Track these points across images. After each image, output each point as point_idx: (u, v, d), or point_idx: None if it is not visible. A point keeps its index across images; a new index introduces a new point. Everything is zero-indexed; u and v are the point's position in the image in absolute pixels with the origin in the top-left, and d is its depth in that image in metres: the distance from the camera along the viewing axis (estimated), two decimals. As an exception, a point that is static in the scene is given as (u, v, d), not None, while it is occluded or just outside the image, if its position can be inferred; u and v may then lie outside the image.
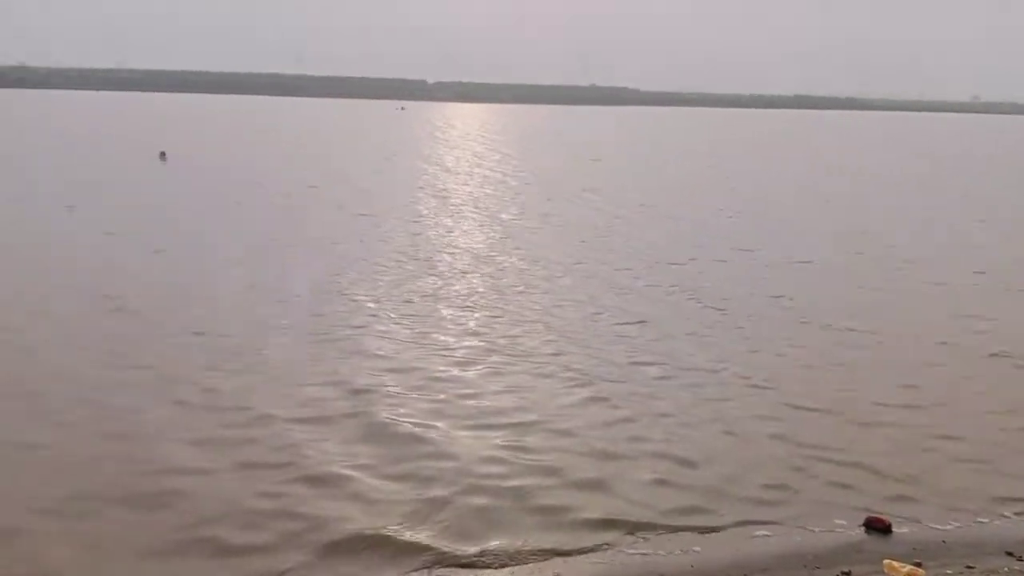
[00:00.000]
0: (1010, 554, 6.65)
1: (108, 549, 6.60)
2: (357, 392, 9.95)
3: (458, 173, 38.10)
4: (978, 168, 50.67)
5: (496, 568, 6.44)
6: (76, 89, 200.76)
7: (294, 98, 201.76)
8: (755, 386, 10.53)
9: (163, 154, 40.06)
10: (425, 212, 25.21)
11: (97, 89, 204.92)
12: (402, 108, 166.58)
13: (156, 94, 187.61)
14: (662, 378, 10.75)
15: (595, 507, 7.35)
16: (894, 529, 7.08)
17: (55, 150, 42.91)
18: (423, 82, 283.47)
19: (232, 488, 7.56)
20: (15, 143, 47.57)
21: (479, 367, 10.97)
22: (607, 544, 6.78)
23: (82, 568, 6.37)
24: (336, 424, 9.07)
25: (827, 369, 11.33)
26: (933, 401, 10.21)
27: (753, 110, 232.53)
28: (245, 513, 7.10)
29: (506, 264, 17.70)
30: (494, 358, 11.32)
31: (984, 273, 17.86)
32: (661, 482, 7.92)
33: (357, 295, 14.59)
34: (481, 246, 19.77)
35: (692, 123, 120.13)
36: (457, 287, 15.44)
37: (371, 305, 13.96)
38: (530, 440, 8.72)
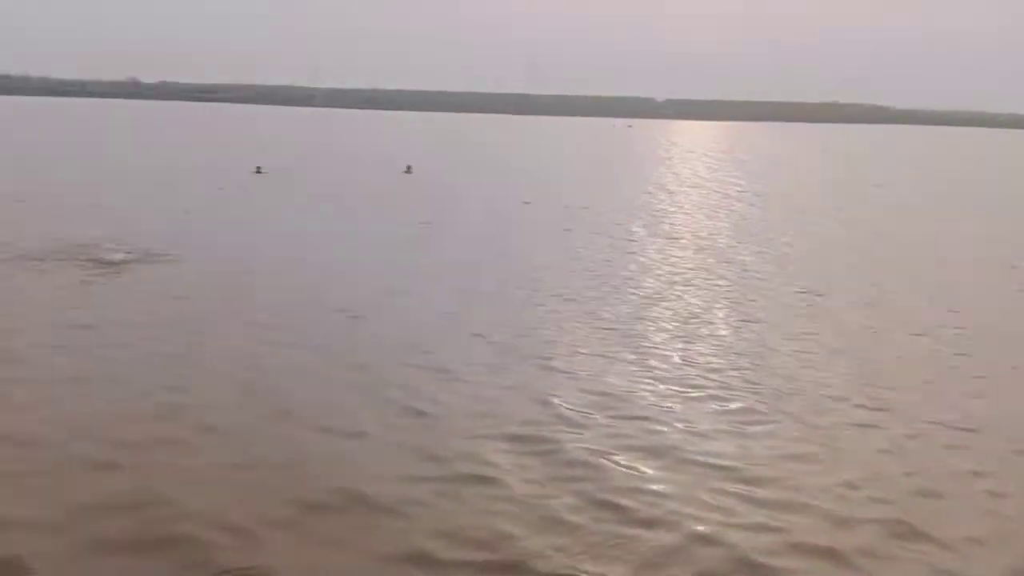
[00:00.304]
0: None
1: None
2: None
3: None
4: None
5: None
6: (334, 107, 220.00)
7: (529, 116, 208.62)
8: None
9: (409, 168, 40.80)
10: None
11: (350, 107, 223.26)
12: (630, 126, 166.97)
13: (397, 112, 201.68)
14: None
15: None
16: None
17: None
18: (651, 100, 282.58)
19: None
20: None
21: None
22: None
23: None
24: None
25: None
26: None
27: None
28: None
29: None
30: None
31: None
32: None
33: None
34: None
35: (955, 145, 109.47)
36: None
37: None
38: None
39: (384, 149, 59.92)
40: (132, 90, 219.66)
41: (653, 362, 11.25)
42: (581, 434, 8.67)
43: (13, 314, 12.74)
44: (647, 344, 12.16)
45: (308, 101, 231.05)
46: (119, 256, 16.98)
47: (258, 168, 37.16)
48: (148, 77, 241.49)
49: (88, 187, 31.23)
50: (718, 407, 9.62)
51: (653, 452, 8.29)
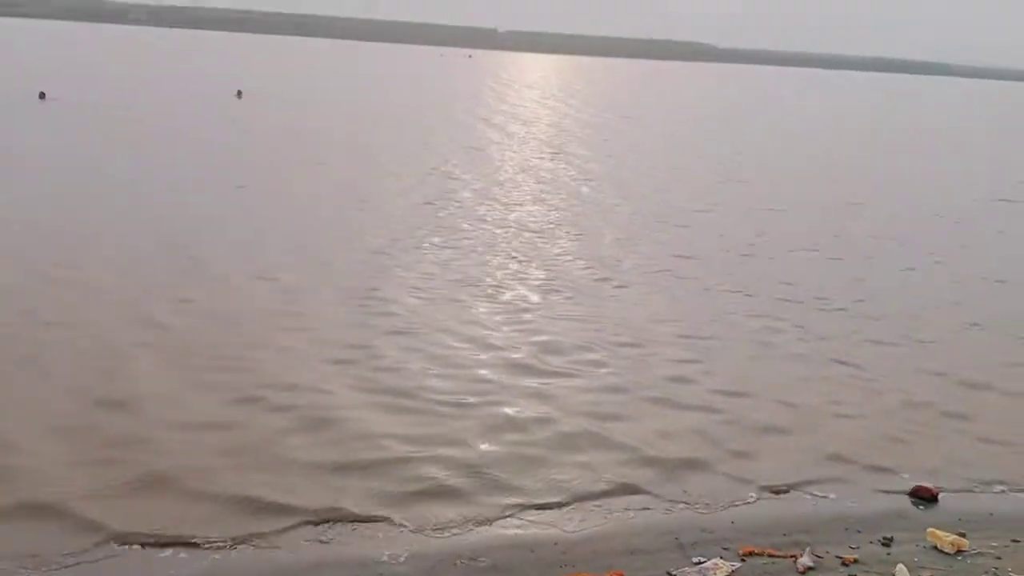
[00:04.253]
0: (1059, 531, 6.51)
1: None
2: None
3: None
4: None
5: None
6: (149, 26, 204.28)
7: (366, 43, 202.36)
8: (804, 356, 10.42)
9: (240, 93, 41.25)
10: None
11: (170, 26, 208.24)
12: (470, 56, 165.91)
13: (226, 34, 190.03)
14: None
15: (632, 464, 7.43)
16: (941, 499, 6.99)
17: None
18: (493, 30, 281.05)
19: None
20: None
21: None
22: (648, 498, 6.85)
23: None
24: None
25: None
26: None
27: (838, 71, 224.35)
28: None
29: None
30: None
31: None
32: (705, 438, 7.94)
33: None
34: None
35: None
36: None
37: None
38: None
39: (205, 75, 56.32)
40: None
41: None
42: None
43: None
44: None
45: (123, 18, 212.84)
46: None
47: (41, 93, 33.12)
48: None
49: None
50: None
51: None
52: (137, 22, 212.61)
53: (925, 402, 9.09)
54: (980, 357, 10.64)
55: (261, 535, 5.99)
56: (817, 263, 15.07)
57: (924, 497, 7.01)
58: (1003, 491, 7.27)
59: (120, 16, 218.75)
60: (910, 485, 7.16)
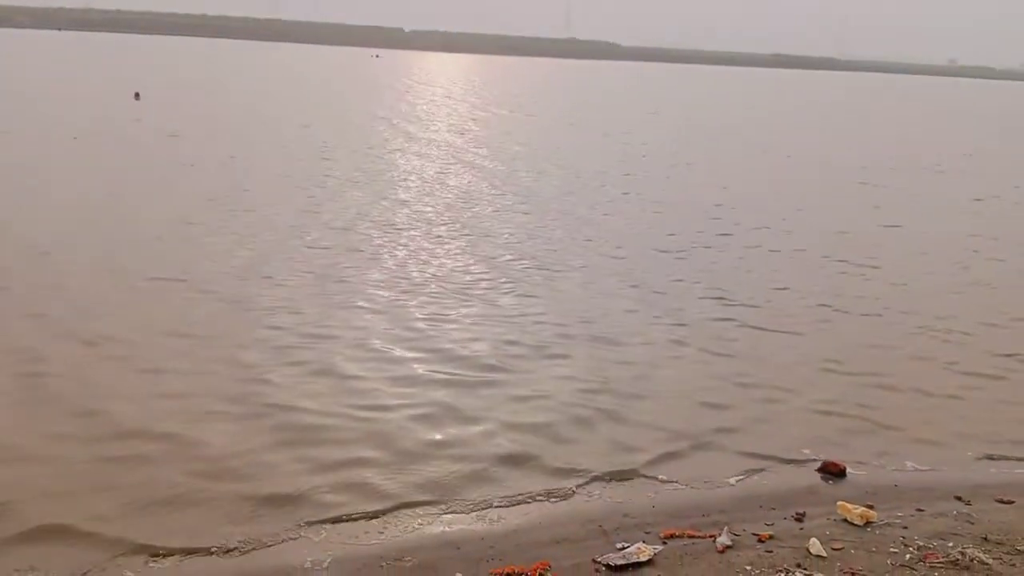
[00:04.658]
0: (959, 498, 6.87)
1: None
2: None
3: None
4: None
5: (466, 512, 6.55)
6: (40, 29, 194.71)
7: (270, 43, 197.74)
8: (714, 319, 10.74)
9: (137, 95, 40.10)
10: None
11: (60, 29, 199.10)
12: (376, 56, 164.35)
13: (124, 35, 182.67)
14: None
15: (553, 454, 7.49)
16: (848, 473, 7.30)
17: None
18: (400, 30, 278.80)
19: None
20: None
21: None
22: (569, 487, 6.91)
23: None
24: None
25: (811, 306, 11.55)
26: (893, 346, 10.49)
27: (732, 68, 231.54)
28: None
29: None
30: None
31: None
32: (620, 421, 8.11)
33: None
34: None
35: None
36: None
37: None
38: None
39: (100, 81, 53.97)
40: None
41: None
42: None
43: None
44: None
45: (6, 21, 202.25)
46: None
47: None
48: None
49: None
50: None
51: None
52: (21, 25, 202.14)
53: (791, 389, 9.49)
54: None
55: (179, 550, 5.79)
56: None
57: (833, 472, 7.30)
58: (908, 463, 7.64)
59: (3, 20, 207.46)
60: (819, 462, 7.46)
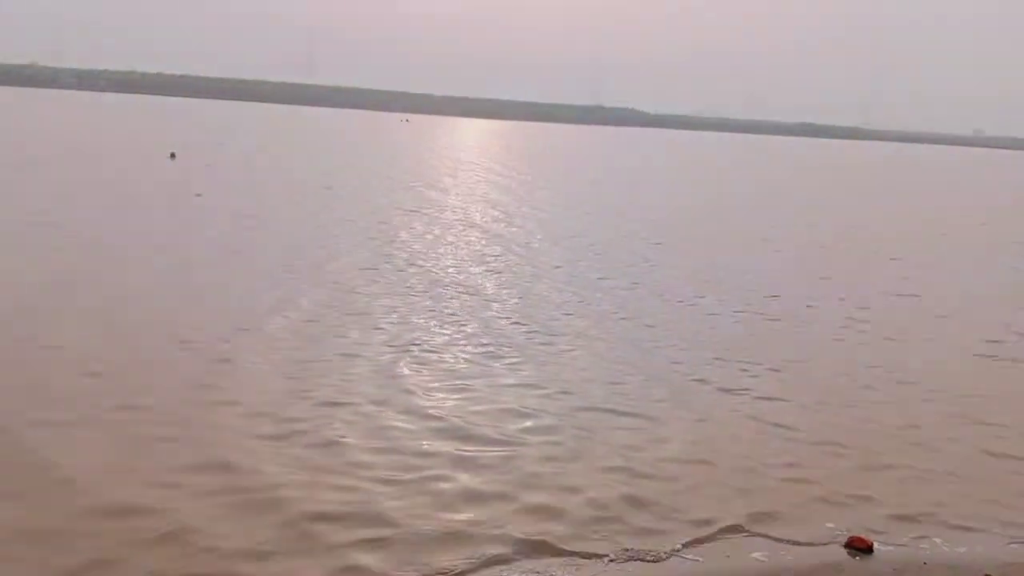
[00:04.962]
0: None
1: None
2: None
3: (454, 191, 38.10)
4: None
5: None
6: (82, 90, 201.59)
7: (305, 107, 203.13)
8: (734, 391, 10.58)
9: (173, 155, 40.93)
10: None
11: (102, 91, 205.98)
12: (406, 120, 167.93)
13: (166, 98, 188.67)
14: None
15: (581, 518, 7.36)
16: (876, 549, 7.10)
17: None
18: (430, 95, 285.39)
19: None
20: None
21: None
22: (595, 554, 6.78)
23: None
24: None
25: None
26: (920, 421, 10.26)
27: (755, 136, 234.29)
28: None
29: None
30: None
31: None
32: (635, 497, 7.91)
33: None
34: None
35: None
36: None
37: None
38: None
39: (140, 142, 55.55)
40: None
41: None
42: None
43: None
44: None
45: (53, 82, 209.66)
46: None
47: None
48: None
49: None
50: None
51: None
52: (68, 86, 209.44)
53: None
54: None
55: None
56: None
57: (859, 548, 7.10)
58: (937, 540, 7.41)
59: (52, 81, 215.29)
60: (845, 537, 7.26)
